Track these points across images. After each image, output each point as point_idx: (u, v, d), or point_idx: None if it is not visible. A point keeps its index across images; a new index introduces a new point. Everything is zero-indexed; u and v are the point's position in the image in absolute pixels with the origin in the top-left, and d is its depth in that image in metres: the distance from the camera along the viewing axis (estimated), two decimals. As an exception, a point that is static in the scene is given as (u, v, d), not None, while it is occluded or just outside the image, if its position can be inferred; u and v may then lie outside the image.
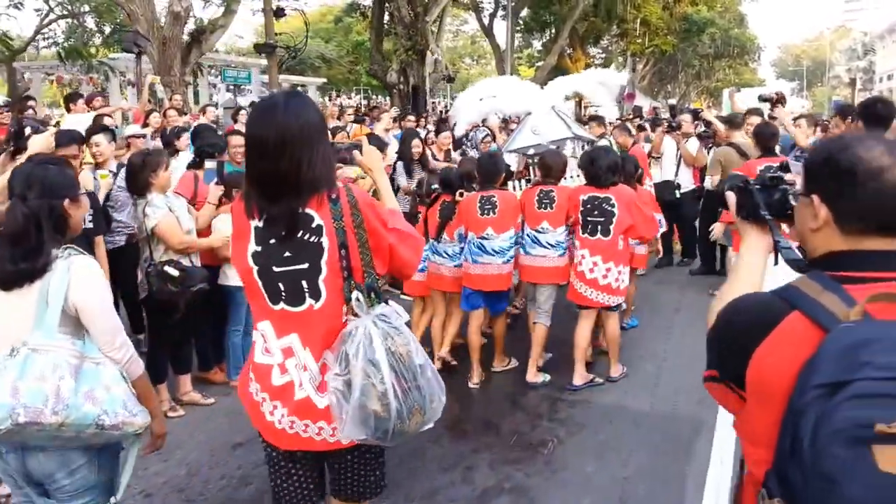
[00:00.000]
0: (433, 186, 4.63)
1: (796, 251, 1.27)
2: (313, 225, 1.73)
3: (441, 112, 21.35)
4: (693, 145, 7.06)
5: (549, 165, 4.38)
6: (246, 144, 1.78)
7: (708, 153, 6.79)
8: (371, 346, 1.65)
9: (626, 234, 4.16)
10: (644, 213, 4.24)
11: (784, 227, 1.32)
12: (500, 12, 22.98)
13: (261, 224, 1.76)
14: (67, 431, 1.77)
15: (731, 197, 1.39)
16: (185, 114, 9.39)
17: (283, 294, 1.77)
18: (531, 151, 5.32)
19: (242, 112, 10.23)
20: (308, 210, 1.72)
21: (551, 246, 4.23)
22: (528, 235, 4.29)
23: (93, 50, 19.55)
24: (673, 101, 19.03)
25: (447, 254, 4.39)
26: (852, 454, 0.87)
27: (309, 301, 1.76)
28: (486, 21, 24.35)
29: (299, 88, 28.96)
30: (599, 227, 4.11)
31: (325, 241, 1.73)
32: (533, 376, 4.34)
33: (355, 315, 1.72)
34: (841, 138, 1.14)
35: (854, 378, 0.90)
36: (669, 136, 7.17)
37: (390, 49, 17.59)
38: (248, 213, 1.77)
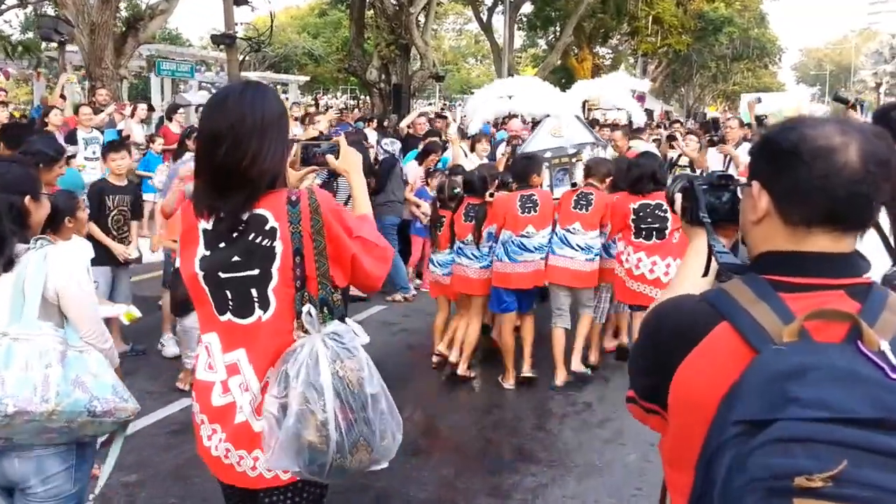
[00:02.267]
0: (455, 190, 4.63)
1: (728, 258, 1.08)
2: (267, 227, 1.59)
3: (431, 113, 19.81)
4: (745, 151, 6.12)
5: (589, 168, 4.52)
6: (198, 136, 1.71)
7: None
8: (316, 368, 1.49)
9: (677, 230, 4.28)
10: None
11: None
12: (500, 7, 21.27)
13: (209, 226, 1.63)
14: (58, 420, 1.76)
15: (678, 199, 1.26)
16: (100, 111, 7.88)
17: (231, 303, 1.63)
18: (548, 154, 5.30)
19: (180, 111, 8.75)
20: (261, 210, 1.59)
21: (580, 248, 4.25)
22: (557, 234, 4.32)
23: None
24: (716, 114, 17.46)
25: (474, 255, 4.35)
26: None
27: (258, 312, 1.61)
28: (484, 17, 22.73)
29: (278, 87, 27.64)
30: (655, 232, 4.19)
31: (278, 245, 1.58)
32: (561, 380, 4.38)
33: (305, 331, 1.57)
34: (789, 120, 0.99)
35: (778, 417, 0.76)
36: (714, 149, 6.61)
37: (372, 44, 16.00)
38: (198, 213, 1.64)
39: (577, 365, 4.46)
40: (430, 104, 25.45)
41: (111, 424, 1.88)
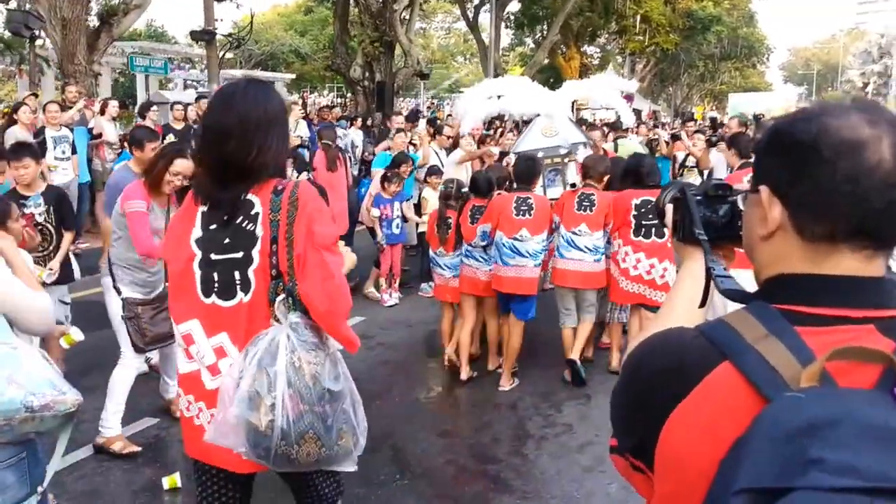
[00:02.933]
0: (463, 190, 4.62)
1: (729, 282, 0.87)
2: (252, 212, 1.68)
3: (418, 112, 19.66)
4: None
5: (588, 168, 4.43)
6: (203, 129, 1.79)
7: None
8: (273, 356, 1.55)
9: None
10: None
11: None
12: (487, 6, 21.08)
13: (206, 208, 1.73)
14: None
15: (668, 211, 1.04)
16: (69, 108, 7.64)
17: (216, 286, 1.70)
18: (540, 154, 5.16)
19: (153, 108, 8.49)
20: (251, 196, 1.68)
21: (588, 250, 4.22)
22: (563, 237, 4.26)
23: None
24: (714, 114, 17.22)
25: (483, 258, 4.33)
26: None
27: (240, 295, 1.69)
28: (470, 14, 22.54)
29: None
30: (654, 229, 4.14)
31: (259, 230, 1.67)
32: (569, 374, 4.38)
33: (276, 320, 1.64)
34: (804, 108, 0.77)
35: (795, 485, 0.57)
36: (715, 149, 6.48)
37: (356, 41, 15.78)
38: (196, 199, 1.74)
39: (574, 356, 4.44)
40: (416, 102, 25.26)
41: (52, 419, 1.84)
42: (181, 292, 1.74)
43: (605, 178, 4.42)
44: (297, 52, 31.77)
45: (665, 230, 3.88)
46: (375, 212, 5.99)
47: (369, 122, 12.35)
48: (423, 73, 15.49)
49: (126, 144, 7.62)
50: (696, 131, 8.00)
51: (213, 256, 1.70)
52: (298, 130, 8.68)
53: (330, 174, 6.14)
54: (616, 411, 0.86)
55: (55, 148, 6.98)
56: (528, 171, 4.32)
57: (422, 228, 6.18)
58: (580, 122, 8.25)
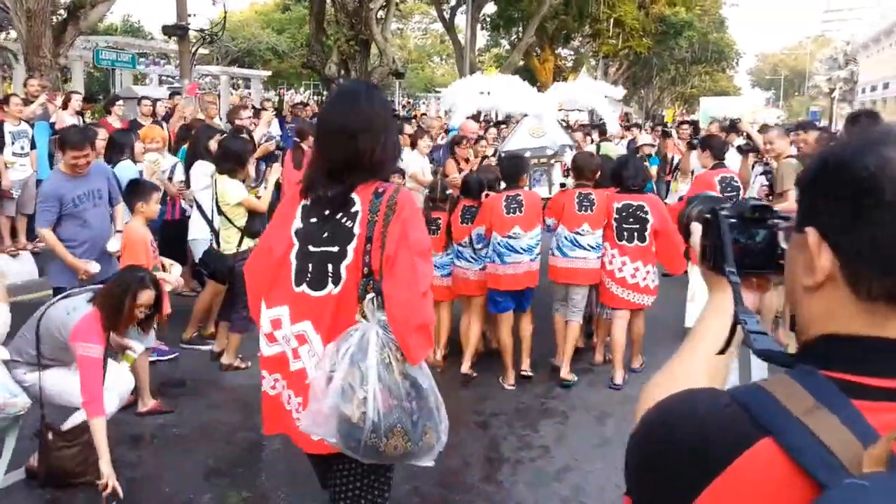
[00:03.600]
0: (447, 192, 4.64)
1: (771, 338, 0.70)
2: (352, 209, 1.75)
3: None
4: (732, 158, 6.20)
5: (579, 167, 4.45)
6: (325, 127, 1.85)
7: (752, 168, 5.77)
8: (364, 352, 1.60)
9: (654, 235, 4.29)
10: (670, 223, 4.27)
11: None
12: (463, 7, 21.09)
13: (308, 203, 1.80)
14: None
15: (696, 231, 0.88)
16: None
17: (309, 276, 1.77)
18: (528, 154, 5.19)
19: (119, 104, 8.26)
20: (352, 195, 1.75)
21: (591, 248, 4.26)
22: (565, 237, 4.29)
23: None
24: (695, 117, 17.32)
25: (472, 258, 4.36)
26: None
27: (330, 286, 1.75)
28: (447, 15, 22.54)
29: (239, 81, 26.76)
30: (636, 233, 4.22)
31: (357, 228, 1.74)
32: (567, 374, 4.38)
33: (364, 316, 1.68)
34: (861, 134, 0.62)
35: None
36: (695, 152, 6.41)
37: (332, 39, 15.63)
38: (302, 194, 1.82)
39: (566, 373, 4.39)
40: (391, 102, 25.07)
41: (1, 420, 1.84)
42: (277, 279, 1.82)
43: (596, 175, 4.48)
44: (274, 50, 31.42)
45: (646, 235, 4.12)
46: None
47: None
48: (398, 73, 15.42)
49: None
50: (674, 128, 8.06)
51: (311, 248, 1.77)
52: (271, 129, 8.53)
53: (298, 173, 6.08)
54: (633, 478, 0.69)
55: (13, 143, 6.73)
56: (514, 169, 4.38)
57: None
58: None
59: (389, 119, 1.86)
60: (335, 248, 1.75)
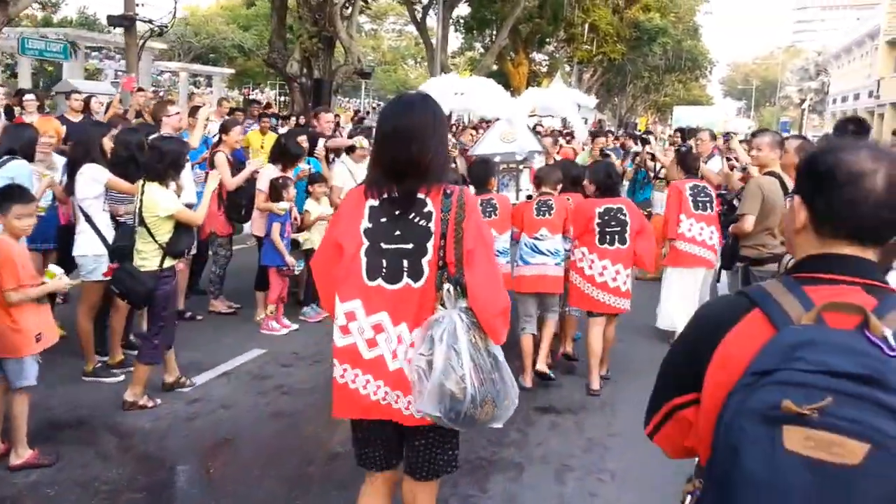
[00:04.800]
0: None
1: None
2: (425, 210, 1.94)
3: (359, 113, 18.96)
4: (715, 164, 6.40)
5: (539, 176, 4.54)
6: (382, 133, 2.01)
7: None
8: (455, 335, 1.83)
9: (637, 235, 4.34)
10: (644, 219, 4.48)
11: None
12: (435, 7, 20.52)
13: (377, 203, 1.96)
14: None
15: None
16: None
17: (384, 270, 1.95)
18: (497, 158, 5.19)
19: (29, 98, 7.35)
20: (422, 196, 1.94)
21: (550, 254, 4.30)
22: (525, 244, 4.33)
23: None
24: (684, 126, 17.19)
25: None
26: (762, 431, 0.91)
27: (406, 280, 1.94)
28: (419, 15, 21.99)
29: (201, 79, 25.83)
30: (617, 236, 4.25)
31: (432, 226, 1.94)
32: (545, 368, 4.40)
33: (443, 305, 1.90)
34: (830, 140, 1.35)
35: (782, 367, 0.94)
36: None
37: (294, 35, 14.96)
38: (368, 194, 1.98)
39: (542, 366, 4.39)
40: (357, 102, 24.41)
41: None
42: (348, 275, 1.97)
43: (559, 187, 4.51)
44: (239, 47, 30.48)
45: (627, 237, 4.20)
46: (276, 227, 5.11)
47: (302, 121, 11.54)
48: (364, 72, 14.79)
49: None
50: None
51: (383, 245, 1.93)
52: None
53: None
54: (671, 363, 1.20)
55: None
56: (482, 173, 4.45)
57: (308, 245, 5.46)
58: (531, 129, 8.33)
59: (442, 127, 2.03)
60: (410, 245, 1.93)
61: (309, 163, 5.79)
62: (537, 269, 4.30)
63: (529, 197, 5.13)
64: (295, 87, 14.51)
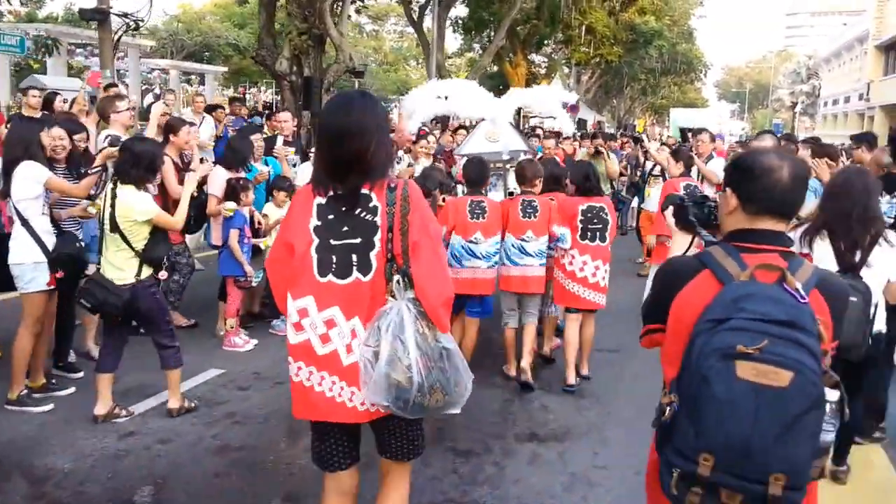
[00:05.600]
0: None
1: (711, 238, 1.78)
2: (370, 205, 2.00)
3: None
4: (717, 165, 6.41)
5: (524, 175, 4.49)
6: (324, 131, 2.07)
7: None
8: (401, 325, 1.89)
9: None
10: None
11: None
12: (432, 9, 20.13)
13: (324, 201, 2.02)
14: None
15: (669, 210, 1.94)
16: None
17: (334, 266, 2.00)
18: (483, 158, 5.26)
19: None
20: (367, 191, 2.00)
21: (535, 255, 4.38)
22: (512, 245, 4.37)
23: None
24: (689, 126, 16.95)
25: None
26: (722, 365, 1.32)
27: (356, 274, 2.00)
28: (415, 15, 21.63)
29: (194, 77, 25.36)
30: (598, 233, 4.44)
31: (378, 220, 2.00)
32: (529, 378, 4.42)
33: (393, 296, 1.97)
34: (749, 150, 1.90)
35: (732, 316, 1.36)
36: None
37: (283, 32, 14.57)
38: (315, 192, 2.03)
39: (525, 365, 4.42)
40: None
41: None
42: (300, 273, 2.01)
43: (538, 181, 4.48)
44: (235, 46, 30.01)
45: (607, 234, 4.49)
46: (235, 234, 4.72)
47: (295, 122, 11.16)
48: (355, 71, 14.38)
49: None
50: (663, 143, 8.44)
51: (332, 242, 1.99)
52: (203, 129, 7.39)
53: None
54: (648, 300, 1.71)
55: None
56: (478, 173, 4.45)
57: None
58: (532, 131, 9.03)
59: (382, 123, 2.05)
60: (358, 240, 1.97)
61: (267, 163, 5.44)
62: (523, 269, 4.36)
63: (511, 194, 5.22)
64: (285, 85, 14.09)
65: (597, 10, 25.55)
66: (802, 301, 1.38)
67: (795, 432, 1.28)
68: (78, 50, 18.70)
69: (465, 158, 5.43)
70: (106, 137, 4.51)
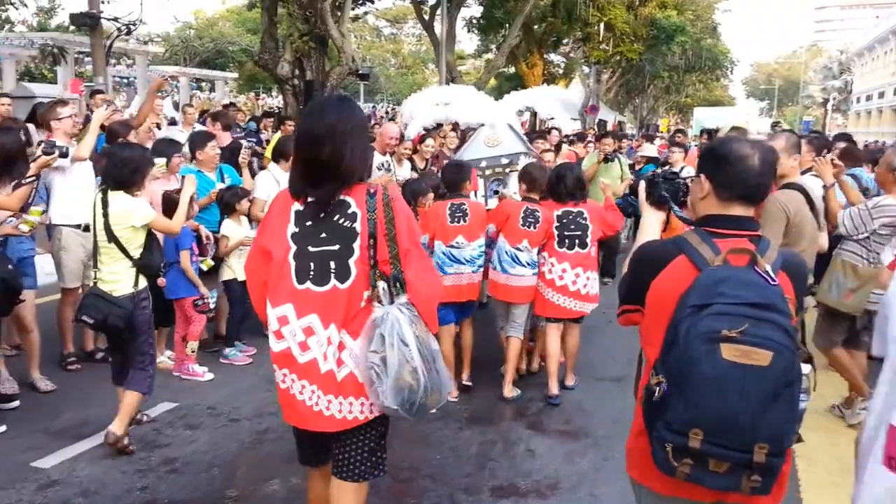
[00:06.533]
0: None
1: (684, 214, 1.89)
2: (349, 211, 1.98)
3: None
4: None
5: (533, 179, 4.33)
6: (298, 136, 2.10)
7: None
8: (402, 329, 1.90)
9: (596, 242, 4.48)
10: (608, 218, 4.38)
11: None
12: (446, 5, 19.60)
13: (301, 207, 2.00)
14: None
15: (641, 185, 1.98)
16: None
17: (312, 273, 1.98)
18: (483, 164, 5.25)
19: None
20: (346, 197, 1.99)
21: (528, 265, 4.25)
22: (507, 253, 4.24)
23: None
24: (711, 127, 16.27)
25: None
26: (707, 348, 1.42)
27: (333, 282, 1.98)
28: (426, 15, 21.17)
29: (204, 84, 25.22)
30: (577, 240, 4.24)
31: (358, 226, 1.98)
32: (510, 392, 4.32)
33: (379, 302, 1.96)
34: (722, 138, 1.86)
35: (713, 302, 1.45)
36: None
37: (284, 34, 14.23)
38: (294, 197, 2.02)
39: (507, 389, 4.29)
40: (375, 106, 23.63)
41: None
42: (279, 280, 2.00)
43: (532, 186, 4.30)
44: (248, 51, 29.89)
45: (587, 241, 4.24)
46: (186, 255, 4.26)
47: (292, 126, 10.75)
48: (359, 73, 13.95)
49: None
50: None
51: (310, 248, 1.98)
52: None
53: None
54: (625, 282, 1.77)
55: None
56: (456, 177, 4.33)
57: (228, 275, 4.69)
58: (544, 132, 8.60)
59: (357, 127, 2.01)
60: (336, 247, 1.97)
61: (223, 172, 4.94)
62: (513, 279, 4.23)
63: (496, 192, 5.24)
64: (287, 89, 13.75)
65: (616, 6, 24.76)
66: (773, 283, 1.50)
67: (778, 405, 1.41)
68: (87, 59, 18.66)
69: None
70: (39, 144, 4.10)
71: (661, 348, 1.50)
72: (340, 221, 1.96)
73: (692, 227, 1.68)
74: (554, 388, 4.25)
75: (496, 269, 4.28)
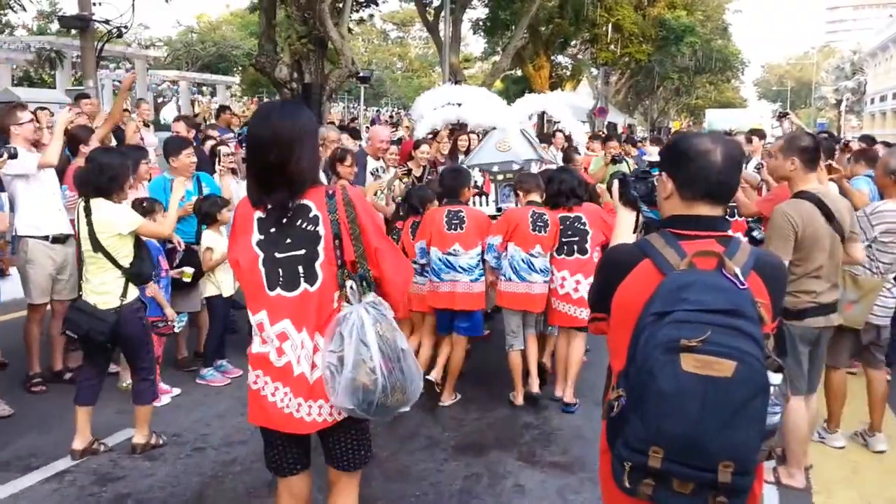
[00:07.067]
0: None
1: (652, 215, 1.81)
2: (310, 215, 1.98)
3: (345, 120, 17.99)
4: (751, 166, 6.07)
5: (525, 184, 4.29)
6: (247, 143, 2.18)
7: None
8: (363, 329, 1.89)
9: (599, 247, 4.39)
10: (609, 221, 4.21)
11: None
12: (451, 6, 19.31)
13: (263, 215, 2.00)
14: None
15: (615, 185, 1.89)
16: None
17: (281, 279, 1.99)
18: (495, 168, 5.20)
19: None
20: (305, 201, 1.98)
21: (541, 272, 4.15)
22: (522, 261, 4.11)
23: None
24: (724, 129, 15.75)
25: (423, 274, 4.32)
26: (667, 358, 1.30)
27: (303, 286, 1.98)
28: (430, 18, 20.91)
29: (204, 89, 25.12)
30: (576, 246, 4.16)
31: (321, 229, 1.97)
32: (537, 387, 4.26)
33: (348, 302, 1.96)
34: (683, 134, 1.75)
35: (675, 309, 1.34)
36: None
37: (282, 36, 13.98)
38: (253, 205, 2.01)
39: (535, 387, 4.21)
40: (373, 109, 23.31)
41: None
42: (252, 288, 2.02)
43: (532, 194, 4.22)
44: (251, 55, 29.75)
45: (587, 247, 4.13)
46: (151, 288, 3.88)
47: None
48: (359, 76, 13.66)
49: None
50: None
51: (277, 255, 1.97)
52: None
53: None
54: (594, 287, 1.70)
55: None
56: (454, 182, 4.23)
57: (212, 291, 4.41)
58: (553, 134, 8.56)
59: (304, 132, 1.99)
60: (302, 251, 1.96)
61: (201, 180, 4.64)
62: (531, 286, 4.10)
63: (513, 192, 5.17)
64: (285, 93, 13.48)
65: (624, 7, 24.36)
66: (742, 287, 1.39)
67: (742, 420, 1.30)
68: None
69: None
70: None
71: (626, 360, 1.40)
72: (303, 226, 1.96)
73: (658, 228, 1.60)
74: (560, 392, 4.20)
75: (510, 280, 4.12)
